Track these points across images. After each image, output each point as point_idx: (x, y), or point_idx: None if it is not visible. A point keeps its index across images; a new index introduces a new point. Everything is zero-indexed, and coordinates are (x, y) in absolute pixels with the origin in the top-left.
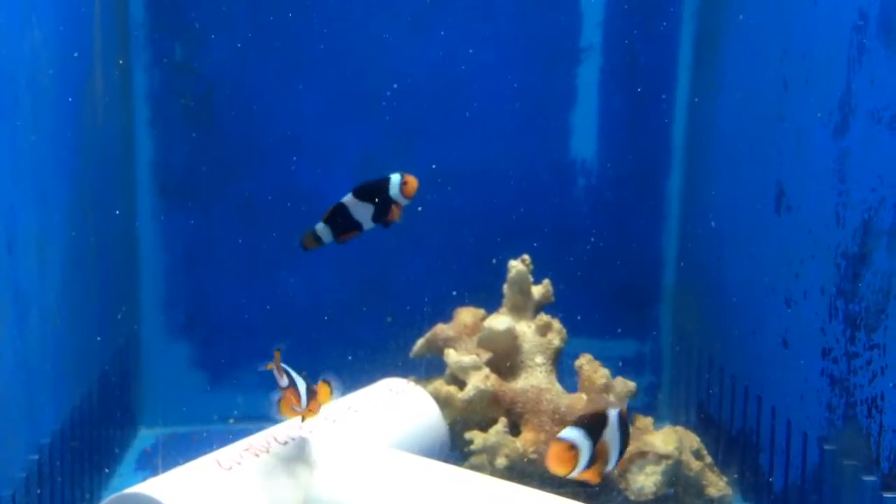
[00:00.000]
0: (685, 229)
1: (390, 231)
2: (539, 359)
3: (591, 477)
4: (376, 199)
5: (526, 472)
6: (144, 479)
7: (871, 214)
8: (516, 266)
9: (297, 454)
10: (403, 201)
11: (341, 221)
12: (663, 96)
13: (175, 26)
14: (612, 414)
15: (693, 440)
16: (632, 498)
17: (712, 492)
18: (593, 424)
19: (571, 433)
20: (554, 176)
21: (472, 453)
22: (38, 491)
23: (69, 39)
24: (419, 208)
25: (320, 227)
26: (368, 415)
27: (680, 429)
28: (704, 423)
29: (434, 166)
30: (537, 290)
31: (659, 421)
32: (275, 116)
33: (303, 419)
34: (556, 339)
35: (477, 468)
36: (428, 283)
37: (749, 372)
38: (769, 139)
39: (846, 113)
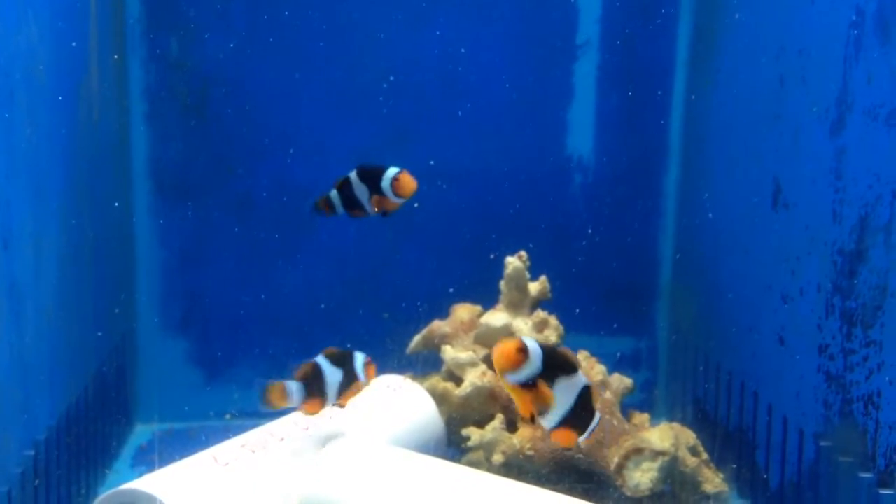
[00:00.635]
0: (682, 226)
1: (387, 227)
2: None
3: (520, 403)
4: (371, 184)
5: (523, 468)
6: (141, 475)
7: (868, 211)
8: (513, 262)
9: (294, 451)
10: (393, 198)
11: (347, 194)
12: (660, 93)
13: (171, 21)
14: (581, 377)
15: (689, 437)
16: (628, 494)
17: (708, 488)
18: (556, 363)
19: (532, 343)
20: (550, 172)
21: (468, 450)
22: (34, 487)
23: (65, 34)
24: (415, 204)
25: (333, 194)
26: (365, 411)
27: (676, 425)
28: (701, 420)
29: (432, 162)
30: (534, 287)
31: (655, 417)
32: (271, 112)
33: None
34: (552, 335)
35: (474, 464)
36: (424, 280)
37: (745, 368)
38: (766, 136)
39: (843, 110)
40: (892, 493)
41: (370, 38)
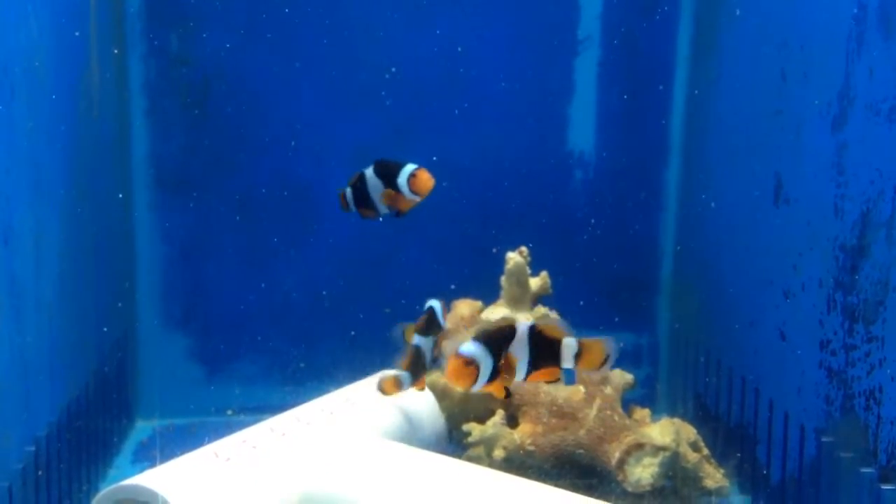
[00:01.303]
0: (683, 221)
1: (388, 223)
2: None
3: (495, 391)
4: (387, 180)
5: (523, 463)
6: (141, 470)
7: (870, 207)
8: (514, 258)
9: (295, 446)
10: (409, 194)
11: (360, 189)
12: (661, 88)
13: (171, 17)
14: (522, 326)
15: (690, 432)
16: (629, 490)
17: (709, 484)
18: (496, 337)
19: (469, 348)
20: (551, 168)
21: (469, 445)
22: (35, 483)
23: (65, 30)
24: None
25: (347, 192)
26: (366, 407)
27: (677, 420)
28: (702, 415)
29: (435, 158)
30: (535, 283)
31: (656, 413)
32: (271, 108)
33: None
34: None
35: (474, 460)
36: (425, 276)
37: (746, 364)
38: (767, 131)
39: (845, 105)
40: (893, 488)
41: (371, 35)
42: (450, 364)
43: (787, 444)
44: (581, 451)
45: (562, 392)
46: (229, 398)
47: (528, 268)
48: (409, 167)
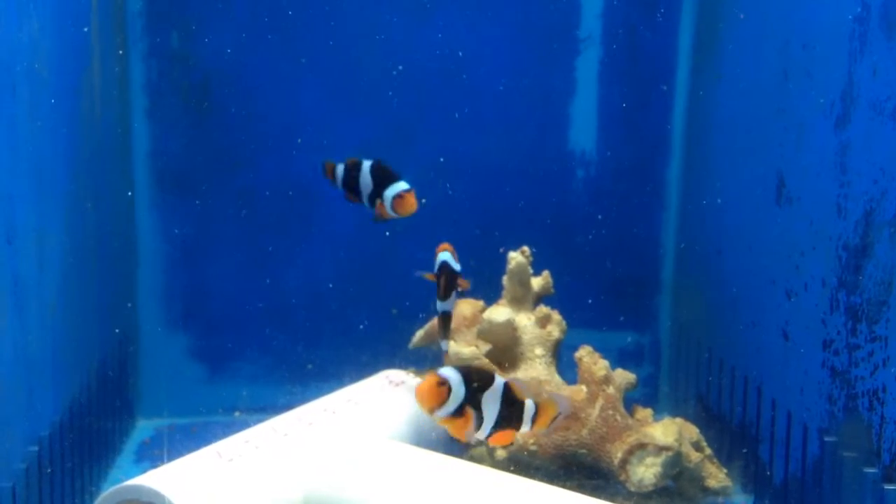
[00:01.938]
0: (685, 220)
1: (389, 223)
2: (539, 350)
3: (454, 431)
4: (377, 186)
5: (526, 463)
6: (143, 470)
7: (873, 206)
8: (516, 257)
9: (298, 446)
10: (389, 211)
11: (353, 175)
12: (663, 87)
13: (172, 15)
14: (499, 381)
15: (692, 431)
16: (632, 490)
17: (712, 483)
18: (476, 379)
19: (449, 372)
20: (553, 167)
21: (471, 445)
22: (38, 482)
23: (67, 29)
24: (423, 200)
25: (339, 169)
26: (368, 406)
27: (679, 420)
28: (704, 415)
29: (442, 160)
30: (537, 282)
31: (658, 412)
32: (273, 107)
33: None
34: (555, 330)
35: (477, 460)
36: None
37: (749, 363)
38: (770, 130)
39: (848, 104)
40: None
41: (372, 33)
42: (425, 381)
43: (789, 444)
44: (584, 450)
45: (564, 392)
46: (231, 398)
47: (530, 267)
48: (399, 186)
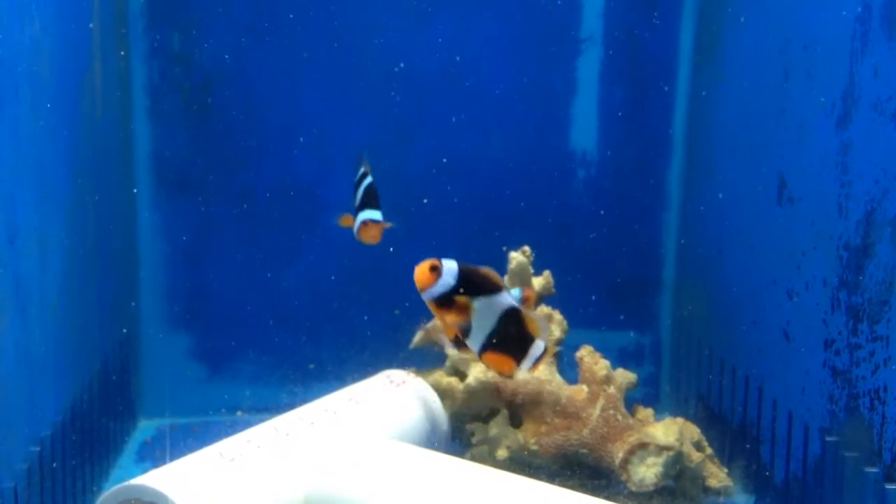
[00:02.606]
0: (686, 220)
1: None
2: None
3: (445, 328)
4: (361, 203)
5: (527, 463)
6: (145, 470)
7: (874, 206)
8: (517, 257)
9: (299, 446)
10: (356, 234)
11: (358, 182)
12: (664, 87)
13: (173, 16)
14: (505, 297)
15: (693, 431)
16: (633, 489)
17: (713, 483)
18: (475, 278)
19: (449, 262)
20: (554, 167)
21: (473, 445)
22: (40, 482)
23: (68, 30)
24: (424, 200)
25: (364, 176)
26: (369, 406)
27: (680, 420)
28: (705, 415)
29: (445, 160)
30: (538, 282)
31: (659, 412)
32: (274, 107)
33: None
34: (556, 330)
35: (478, 459)
36: None
37: (750, 363)
38: (771, 130)
39: (849, 104)
40: None
41: (373, 34)
42: (420, 264)
43: (790, 444)
44: (584, 450)
45: (565, 391)
46: (232, 397)
47: (530, 267)
48: (368, 214)
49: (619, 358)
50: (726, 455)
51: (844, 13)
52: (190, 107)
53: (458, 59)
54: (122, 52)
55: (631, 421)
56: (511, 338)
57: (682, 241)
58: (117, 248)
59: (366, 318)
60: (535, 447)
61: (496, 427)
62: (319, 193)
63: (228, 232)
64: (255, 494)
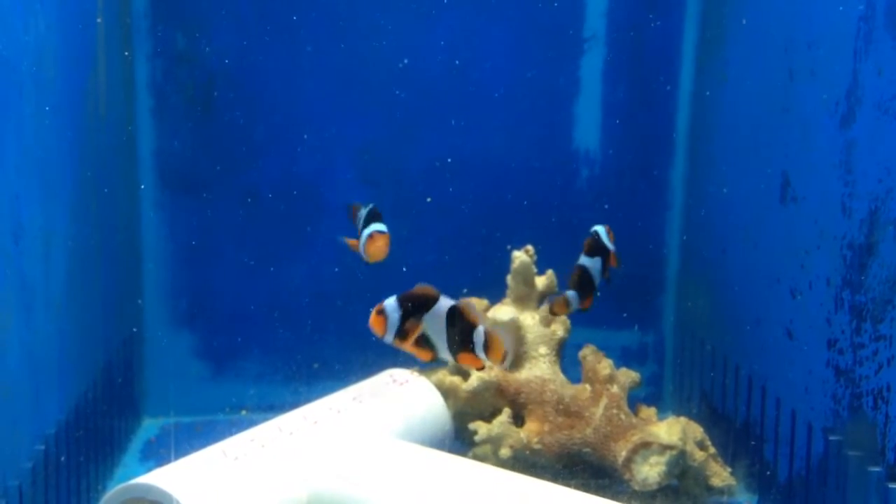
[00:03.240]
0: (689, 219)
1: (394, 221)
2: (543, 349)
3: (419, 356)
4: (366, 222)
5: (530, 462)
6: (149, 468)
7: (878, 205)
8: (520, 257)
9: (303, 445)
10: (363, 252)
11: (359, 213)
12: (667, 87)
13: (177, 16)
14: (443, 303)
15: (697, 430)
16: (636, 488)
17: (716, 482)
18: (413, 301)
19: (388, 301)
20: (557, 166)
21: (476, 444)
22: (45, 481)
23: (72, 29)
24: (428, 199)
25: (362, 212)
26: (373, 405)
27: (683, 419)
28: (708, 414)
29: (449, 160)
30: (541, 281)
31: (662, 411)
32: (277, 106)
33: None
34: (559, 329)
35: (481, 458)
36: (431, 274)
37: (753, 362)
38: (774, 130)
39: (853, 103)
40: None
41: (376, 33)
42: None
43: (794, 443)
44: (588, 449)
45: (568, 391)
46: (236, 396)
47: (534, 266)
48: (374, 227)
49: (622, 357)
50: (729, 454)
51: (848, 12)
52: (194, 106)
53: (461, 58)
54: (126, 52)
55: (634, 420)
56: (462, 333)
57: (686, 240)
58: (121, 246)
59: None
60: (538, 446)
61: (499, 426)
62: (323, 192)
63: (232, 231)
64: (258, 493)
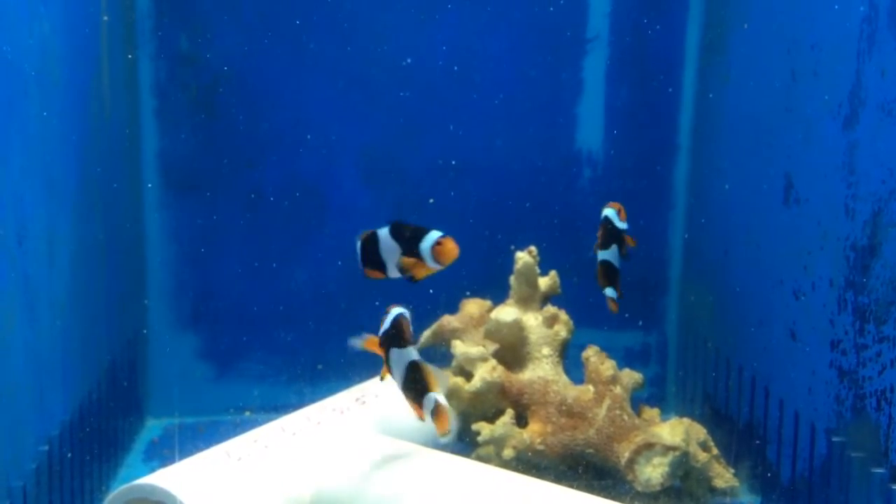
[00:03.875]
0: (692, 221)
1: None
2: (546, 350)
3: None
4: (405, 245)
5: (533, 463)
6: (152, 469)
7: (881, 206)
8: (523, 257)
9: (307, 445)
10: (432, 263)
11: (370, 249)
12: (670, 88)
13: (181, 17)
14: (409, 352)
15: (700, 431)
16: (639, 489)
17: (719, 483)
18: (391, 336)
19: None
20: (560, 167)
21: (479, 444)
22: (49, 481)
23: (76, 30)
24: (431, 200)
25: (358, 245)
26: (376, 406)
27: (687, 420)
28: (711, 415)
29: (454, 162)
30: (544, 282)
31: (665, 412)
32: (280, 107)
33: None
34: (562, 330)
35: (484, 459)
36: (434, 275)
37: (756, 363)
38: (777, 131)
39: (856, 105)
40: None
41: (379, 34)
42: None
43: (797, 444)
44: (591, 450)
45: (571, 392)
46: (240, 397)
47: (537, 267)
48: (434, 234)
49: (625, 358)
50: (732, 455)
51: (851, 13)
52: (197, 107)
53: (463, 59)
54: (130, 54)
55: (637, 421)
56: (413, 388)
57: (688, 241)
58: (125, 247)
59: (372, 317)
60: (541, 447)
61: (502, 427)
62: (326, 193)
63: (236, 232)
64: (262, 494)
